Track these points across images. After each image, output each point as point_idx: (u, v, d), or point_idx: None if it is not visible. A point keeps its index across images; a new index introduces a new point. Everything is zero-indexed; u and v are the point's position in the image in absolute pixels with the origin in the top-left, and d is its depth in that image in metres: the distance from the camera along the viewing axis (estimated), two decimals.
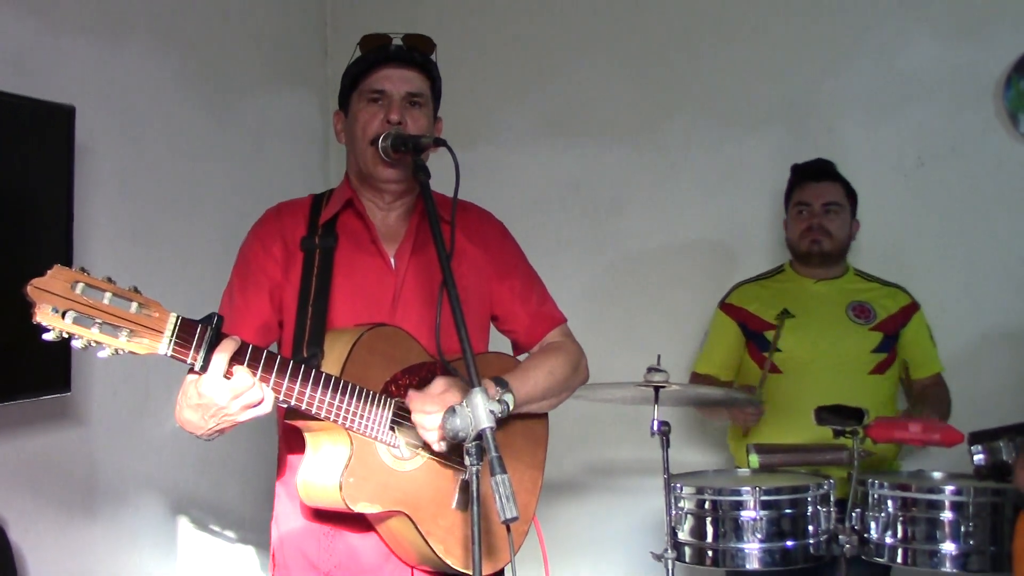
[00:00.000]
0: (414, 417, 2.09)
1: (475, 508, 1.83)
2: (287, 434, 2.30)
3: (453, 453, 2.13)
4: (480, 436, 1.82)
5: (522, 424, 2.33)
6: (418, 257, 2.32)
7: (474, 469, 1.84)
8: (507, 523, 1.77)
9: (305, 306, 2.22)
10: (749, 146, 4.19)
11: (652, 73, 4.33)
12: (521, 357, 2.45)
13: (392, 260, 2.32)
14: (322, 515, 2.22)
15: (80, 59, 3.20)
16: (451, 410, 1.85)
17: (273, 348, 2.21)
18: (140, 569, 3.46)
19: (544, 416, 2.43)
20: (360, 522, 2.19)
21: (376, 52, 2.30)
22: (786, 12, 4.17)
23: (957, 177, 3.94)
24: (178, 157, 3.64)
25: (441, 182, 2.19)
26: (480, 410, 1.83)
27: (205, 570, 3.76)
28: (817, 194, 3.57)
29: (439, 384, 2.12)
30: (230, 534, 3.87)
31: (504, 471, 1.78)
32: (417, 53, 2.31)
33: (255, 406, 1.92)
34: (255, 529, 3.92)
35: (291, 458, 2.30)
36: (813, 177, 3.61)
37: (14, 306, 2.72)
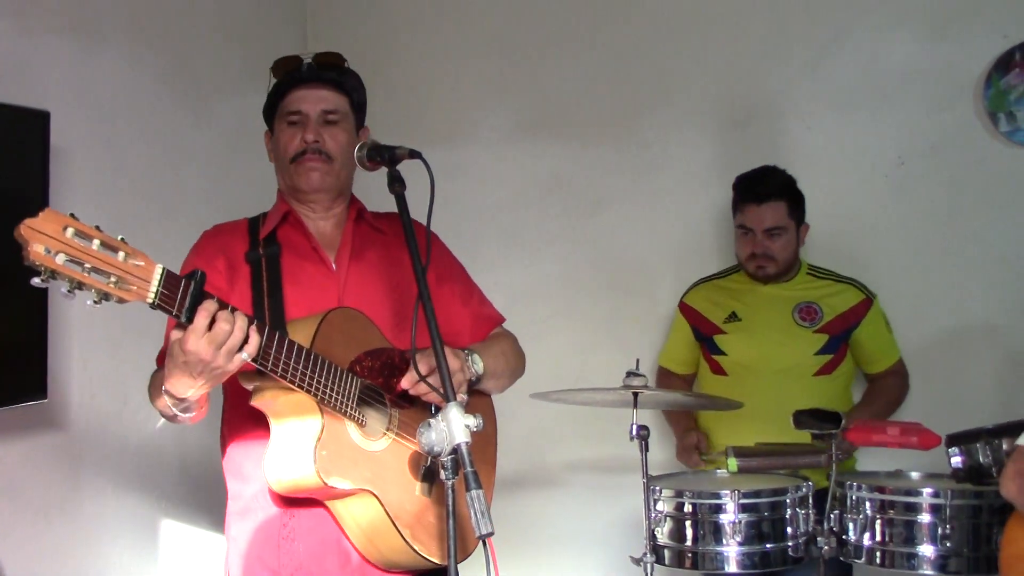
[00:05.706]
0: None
1: (450, 522, 1.86)
2: (232, 463, 2.38)
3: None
4: (455, 451, 1.84)
5: None
6: (357, 262, 2.41)
7: (450, 483, 1.86)
8: (482, 538, 1.79)
9: (261, 301, 2.27)
10: (728, 144, 4.18)
11: (631, 71, 4.33)
12: None
13: (333, 265, 2.39)
14: (281, 534, 2.25)
15: (55, 62, 3.18)
16: (426, 424, 1.87)
17: None
18: (121, 573, 3.45)
19: (492, 415, 2.51)
20: (321, 530, 2.23)
21: (288, 75, 2.40)
22: (765, 10, 4.17)
23: (938, 176, 3.94)
24: (155, 159, 3.62)
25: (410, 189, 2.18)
26: (455, 424, 1.84)
27: (186, 572, 3.75)
28: (758, 219, 3.50)
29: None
30: (211, 536, 3.86)
31: (479, 486, 1.81)
32: (329, 71, 2.38)
33: (240, 349, 1.92)
34: None
35: (235, 488, 2.37)
36: (754, 199, 3.51)
37: None
